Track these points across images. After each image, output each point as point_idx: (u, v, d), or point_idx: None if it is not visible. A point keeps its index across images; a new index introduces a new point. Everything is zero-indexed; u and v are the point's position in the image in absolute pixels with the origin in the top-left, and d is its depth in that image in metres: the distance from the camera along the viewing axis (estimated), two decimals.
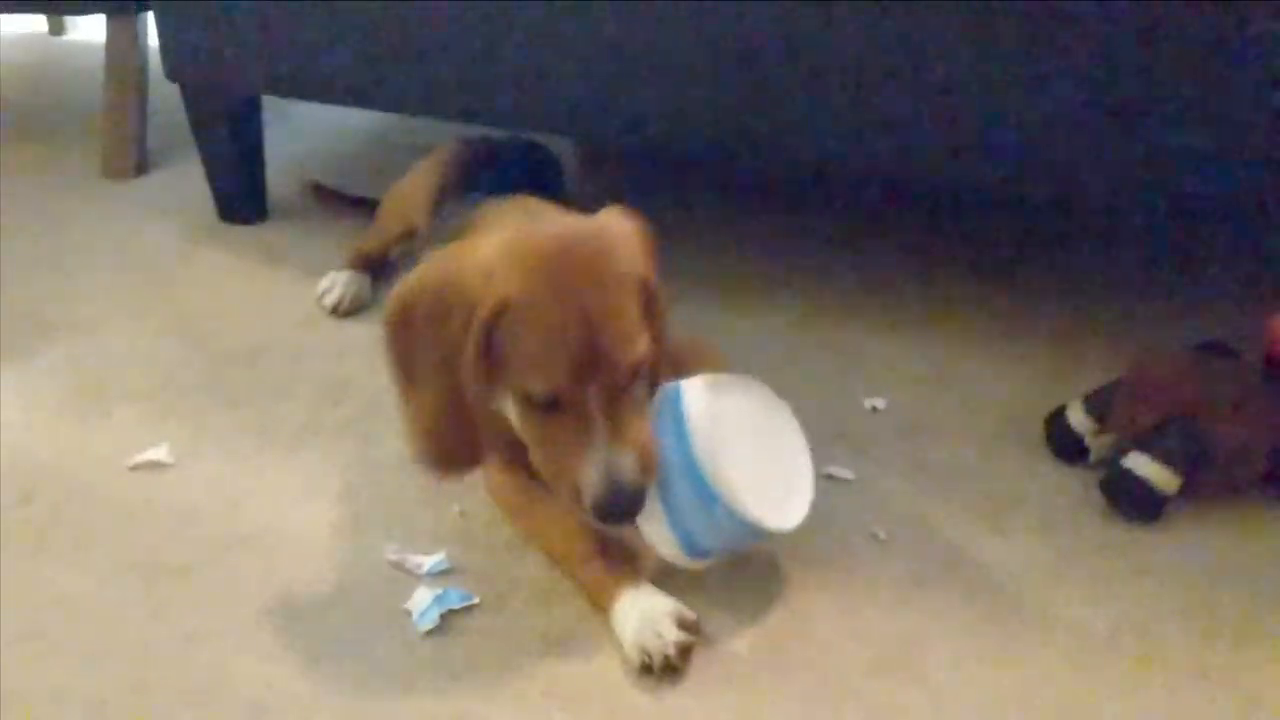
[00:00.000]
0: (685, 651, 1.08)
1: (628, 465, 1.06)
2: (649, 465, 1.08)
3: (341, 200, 2.07)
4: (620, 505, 1.06)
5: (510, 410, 1.13)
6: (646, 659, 1.07)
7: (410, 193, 1.73)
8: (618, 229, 1.13)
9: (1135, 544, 1.28)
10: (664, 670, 1.07)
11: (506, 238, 1.09)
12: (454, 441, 1.12)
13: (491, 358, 1.07)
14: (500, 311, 1.05)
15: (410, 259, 1.75)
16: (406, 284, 1.11)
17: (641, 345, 1.08)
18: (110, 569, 1.20)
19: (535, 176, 1.72)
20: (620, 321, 1.07)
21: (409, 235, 1.72)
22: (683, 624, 1.09)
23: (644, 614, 1.10)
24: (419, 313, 1.09)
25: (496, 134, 1.81)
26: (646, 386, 1.14)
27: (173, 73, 1.91)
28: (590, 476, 1.05)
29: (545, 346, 1.04)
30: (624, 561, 1.17)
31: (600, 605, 1.15)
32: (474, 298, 1.05)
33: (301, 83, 1.82)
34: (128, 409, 1.48)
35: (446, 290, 1.07)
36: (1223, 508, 1.34)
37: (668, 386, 1.15)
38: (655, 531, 1.11)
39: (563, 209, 1.35)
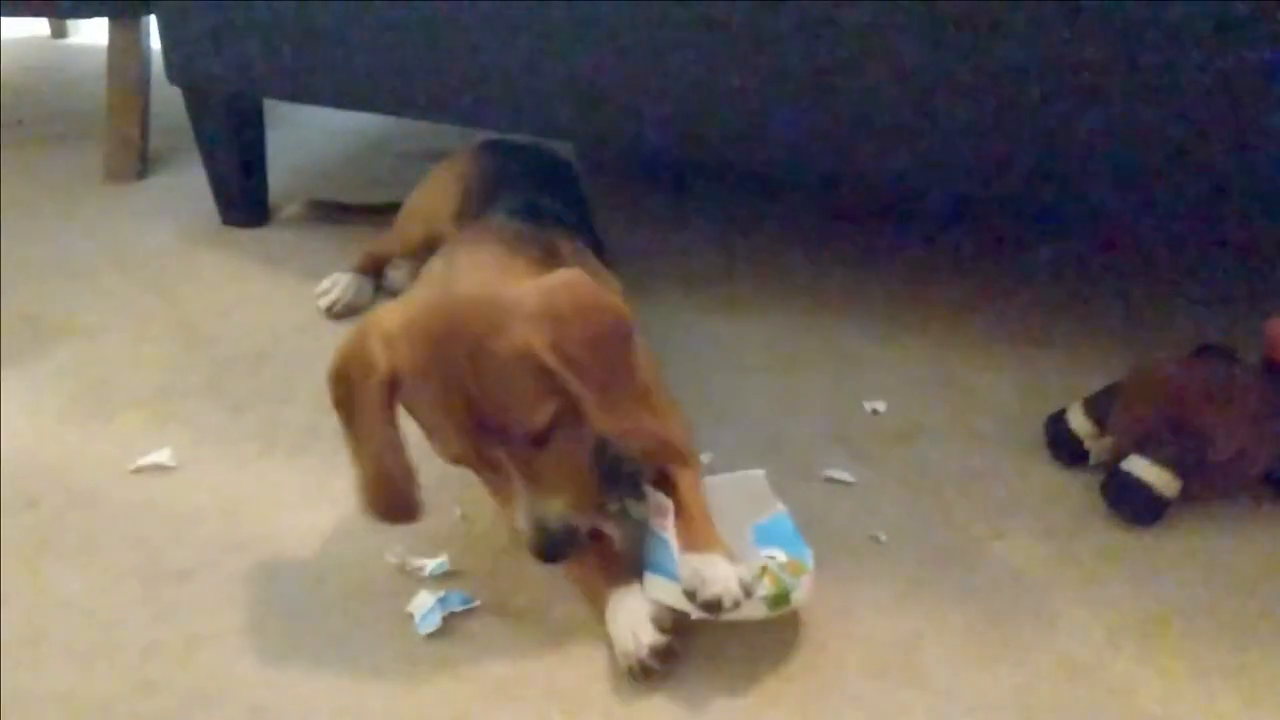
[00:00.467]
0: (663, 654, 1.08)
1: (554, 511, 1.07)
2: (582, 503, 1.10)
3: (342, 210, 2.07)
4: (551, 548, 1.08)
5: None
6: (626, 662, 1.08)
7: (435, 199, 1.73)
8: (512, 300, 1.05)
9: (1135, 547, 1.29)
10: (642, 674, 1.08)
11: (410, 306, 1.09)
12: (391, 494, 1.11)
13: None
14: (394, 383, 1.05)
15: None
16: (341, 343, 1.10)
17: (540, 414, 1.05)
18: (112, 572, 1.21)
19: (559, 183, 1.72)
20: (506, 396, 1.04)
21: (432, 243, 1.70)
22: (661, 626, 1.09)
23: (627, 619, 1.10)
24: (347, 373, 1.08)
25: (513, 140, 1.82)
26: (580, 434, 1.11)
27: (175, 76, 1.91)
28: (520, 523, 1.08)
29: (434, 420, 1.06)
30: (614, 563, 1.17)
31: (595, 607, 1.15)
32: (374, 366, 1.04)
33: (303, 86, 1.83)
34: (130, 413, 1.49)
35: (358, 355, 1.07)
36: (1222, 511, 1.34)
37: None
38: (657, 586, 1.11)
39: (508, 251, 1.26)
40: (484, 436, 1.05)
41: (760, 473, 1.29)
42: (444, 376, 1.03)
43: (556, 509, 1.08)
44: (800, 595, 1.12)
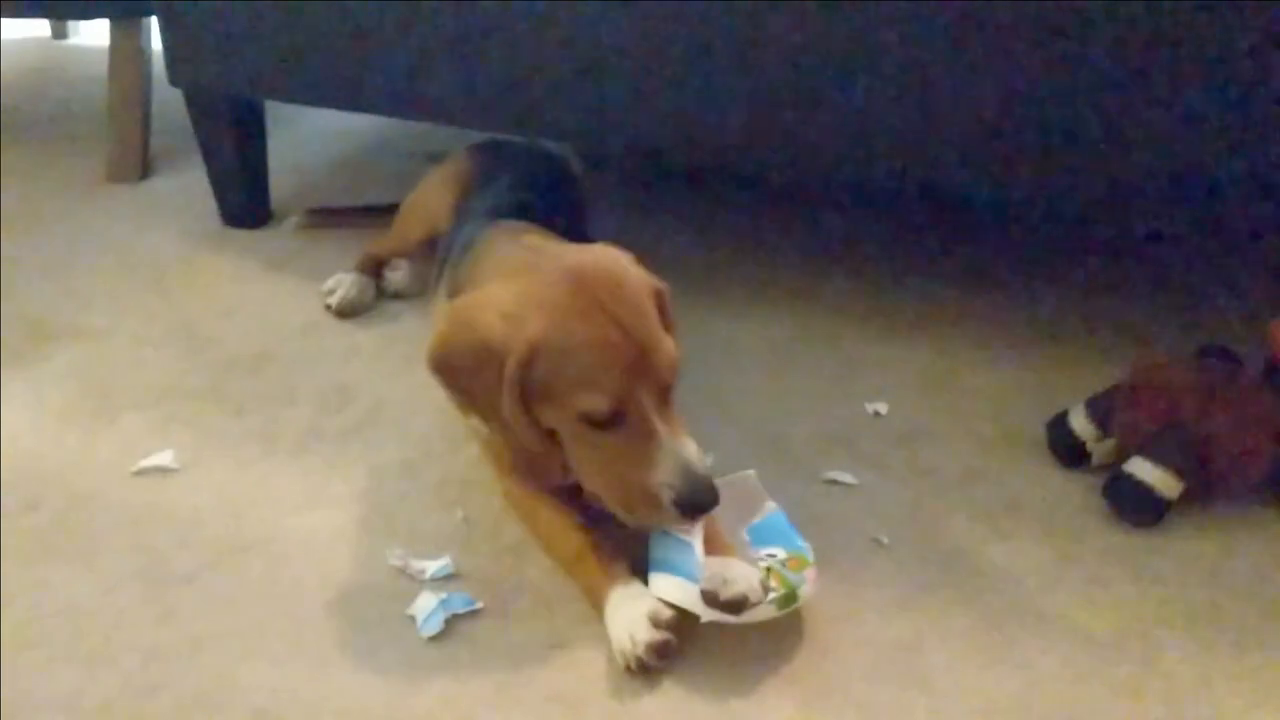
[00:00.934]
0: (660, 651, 1.08)
1: (695, 455, 1.11)
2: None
3: (340, 214, 2.07)
4: (702, 493, 1.10)
5: (571, 440, 1.16)
6: (624, 660, 1.09)
7: (432, 199, 1.75)
8: (614, 251, 1.19)
9: (1137, 549, 1.29)
10: (640, 671, 1.08)
11: (521, 283, 1.14)
12: (537, 461, 1.21)
13: (535, 397, 1.12)
14: (532, 355, 1.09)
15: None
16: (431, 349, 1.15)
17: (672, 345, 1.14)
18: (114, 575, 1.21)
19: (550, 184, 1.72)
20: (651, 325, 1.12)
21: (430, 240, 1.73)
22: (657, 624, 1.09)
23: (624, 616, 1.11)
24: (452, 366, 1.15)
25: (512, 141, 1.82)
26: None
27: (176, 77, 1.91)
28: (667, 476, 1.10)
29: (593, 365, 1.09)
30: (615, 561, 1.17)
31: (595, 605, 1.16)
32: (499, 345, 1.10)
33: (304, 88, 1.83)
34: (132, 415, 1.49)
35: (474, 345, 1.12)
36: (1225, 513, 1.34)
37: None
38: (667, 586, 1.12)
39: (547, 231, 1.40)
40: (634, 373, 1.09)
41: (750, 473, 1.29)
42: (593, 321, 1.09)
43: (696, 453, 1.12)
44: (806, 590, 1.12)
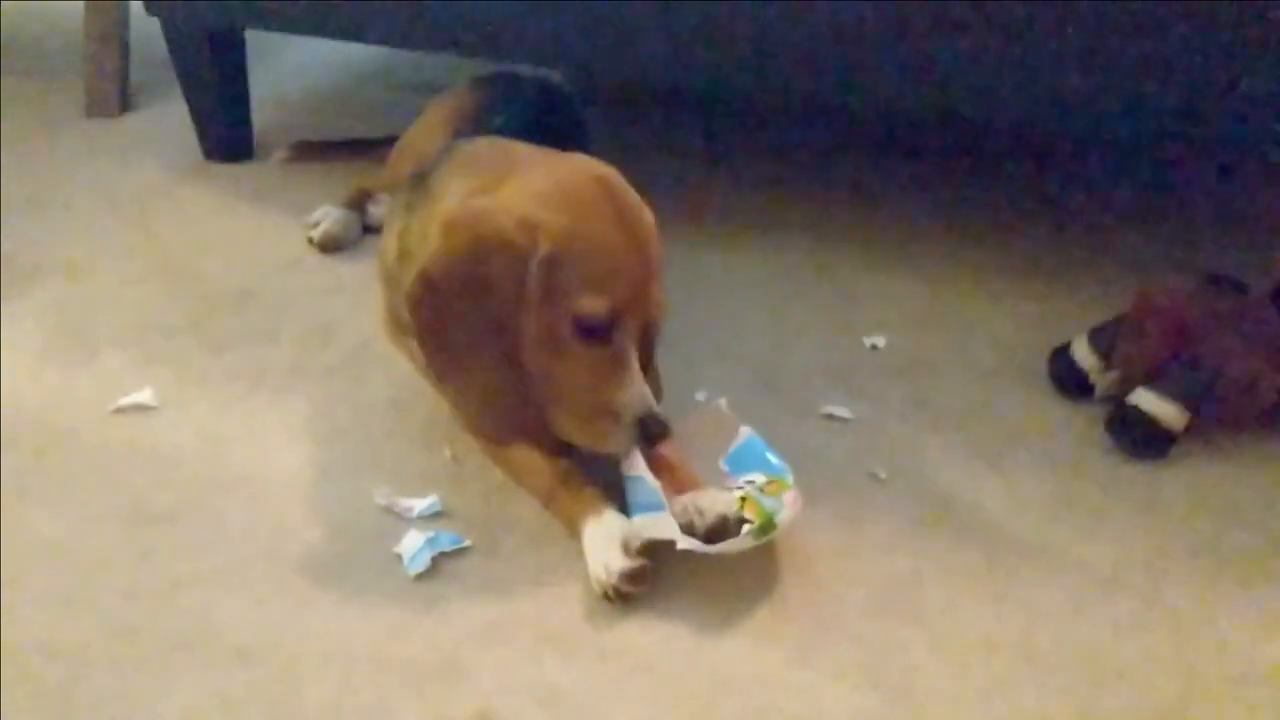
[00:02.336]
0: (635, 577, 1.06)
1: (655, 400, 1.12)
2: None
3: (328, 148, 2.02)
4: (659, 420, 1.10)
5: (548, 348, 1.12)
6: (601, 589, 1.07)
7: (425, 135, 1.68)
8: (615, 174, 1.16)
9: (1141, 482, 1.26)
10: (616, 598, 1.06)
11: (531, 184, 1.11)
12: (513, 407, 1.13)
13: (545, 294, 1.08)
14: (557, 250, 1.06)
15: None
16: (429, 264, 1.09)
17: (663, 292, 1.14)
18: (94, 515, 1.18)
19: (552, 117, 1.67)
20: (658, 259, 1.13)
21: None
22: (629, 550, 1.07)
23: (599, 545, 1.09)
24: (454, 285, 1.09)
25: (512, 71, 1.77)
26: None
27: (152, 6, 1.85)
28: (633, 397, 1.10)
29: (607, 267, 1.08)
30: (589, 490, 1.15)
31: (574, 537, 1.14)
32: (522, 247, 1.06)
33: (286, 15, 1.77)
34: (111, 353, 1.45)
35: (483, 250, 1.07)
36: (1231, 444, 1.32)
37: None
38: (648, 524, 1.10)
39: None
40: (635, 291, 1.09)
41: (721, 401, 1.27)
42: (615, 227, 1.09)
43: (655, 399, 1.13)
44: (786, 515, 1.09)
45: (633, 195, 1.14)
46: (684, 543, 1.06)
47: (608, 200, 1.11)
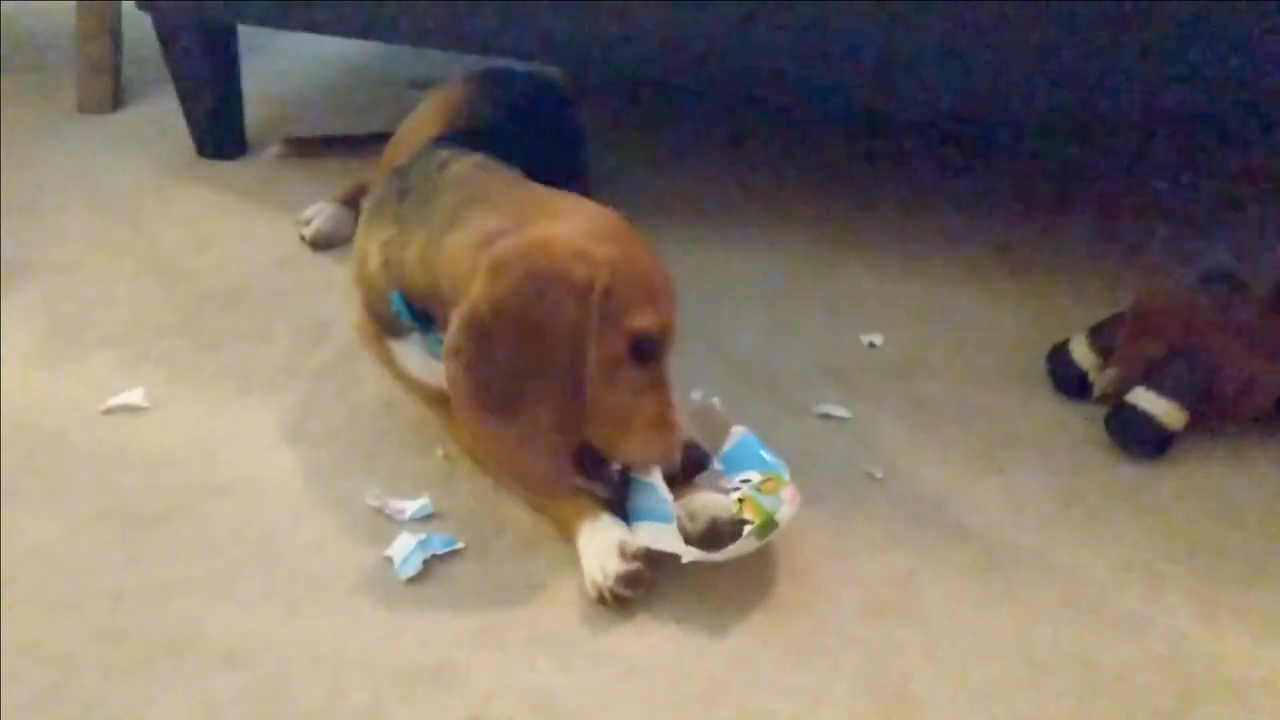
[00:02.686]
0: (632, 581, 1.05)
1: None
2: None
3: (322, 143, 2.00)
4: (700, 448, 1.13)
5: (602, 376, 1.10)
6: (597, 593, 1.06)
7: (418, 130, 1.66)
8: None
9: (1140, 482, 1.25)
10: (613, 602, 1.06)
11: (571, 222, 1.11)
12: (562, 454, 1.10)
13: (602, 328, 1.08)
14: (614, 276, 1.06)
15: None
16: (478, 304, 1.05)
17: None
18: (83, 517, 1.17)
19: (544, 112, 1.66)
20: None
21: None
22: (625, 554, 1.06)
23: (595, 549, 1.08)
24: (506, 324, 1.05)
25: (506, 67, 1.75)
26: None
27: (143, 2, 1.84)
28: (682, 420, 1.12)
29: (650, 290, 1.09)
30: (583, 494, 1.14)
31: (569, 541, 1.13)
32: (580, 279, 1.05)
33: (278, 10, 1.76)
34: (102, 352, 1.44)
35: (540, 288, 1.05)
36: (1230, 444, 1.31)
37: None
38: (649, 532, 1.09)
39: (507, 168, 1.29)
40: (671, 320, 1.12)
41: (715, 400, 1.26)
42: (649, 255, 1.13)
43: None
44: (786, 512, 1.08)
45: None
46: (689, 555, 1.05)
47: (632, 232, 1.13)
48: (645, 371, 1.10)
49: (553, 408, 1.07)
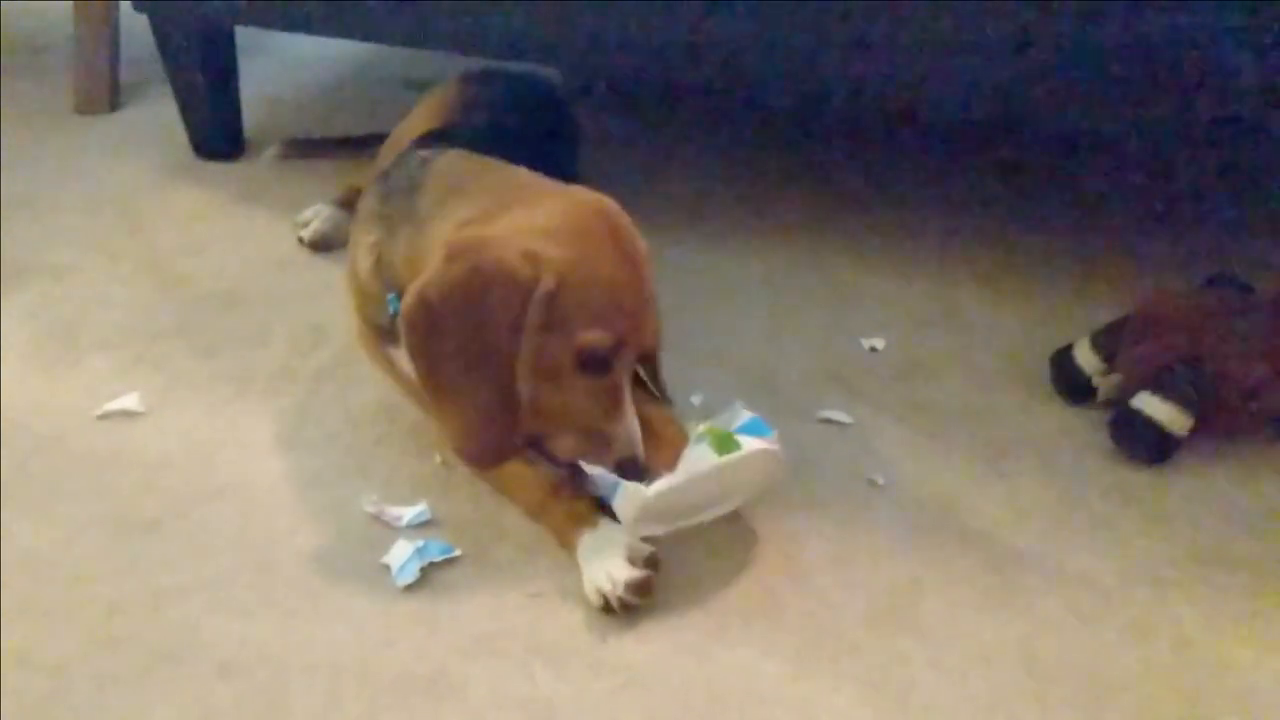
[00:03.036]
0: (641, 588, 1.05)
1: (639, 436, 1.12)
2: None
3: (320, 145, 1.99)
4: (639, 468, 1.10)
5: (546, 377, 1.11)
6: (602, 601, 1.05)
7: (412, 131, 1.65)
8: (614, 205, 1.15)
9: (1144, 488, 1.24)
10: (622, 610, 1.05)
11: (536, 218, 1.10)
12: (498, 434, 1.10)
13: (545, 327, 1.07)
14: (560, 287, 1.05)
15: None
16: (427, 287, 1.07)
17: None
18: (77, 522, 1.16)
19: (539, 112, 1.65)
20: (651, 281, 1.13)
21: None
22: (634, 561, 1.06)
23: (599, 555, 1.07)
24: (450, 309, 1.06)
25: (499, 67, 1.74)
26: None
27: (140, 3, 1.83)
28: (622, 432, 1.10)
29: (610, 300, 1.08)
30: (580, 503, 1.14)
31: (566, 548, 1.12)
32: (524, 281, 1.05)
33: (276, 12, 1.75)
34: (97, 356, 1.43)
35: (484, 282, 1.05)
36: (1236, 449, 1.30)
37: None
38: (623, 497, 1.08)
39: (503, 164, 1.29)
40: (634, 322, 1.10)
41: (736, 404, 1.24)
42: (614, 261, 1.09)
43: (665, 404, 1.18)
44: (756, 443, 1.08)
45: (629, 225, 1.14)
46: (656, 486, 1.05)
47: (608, 233, 1.11)
48: (594, 383, 1.10)
49: (492, 392, 1.08)
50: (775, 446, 1.10)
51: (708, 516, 1.11)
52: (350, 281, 1.30)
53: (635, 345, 1.11)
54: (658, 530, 1.09)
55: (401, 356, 1.24)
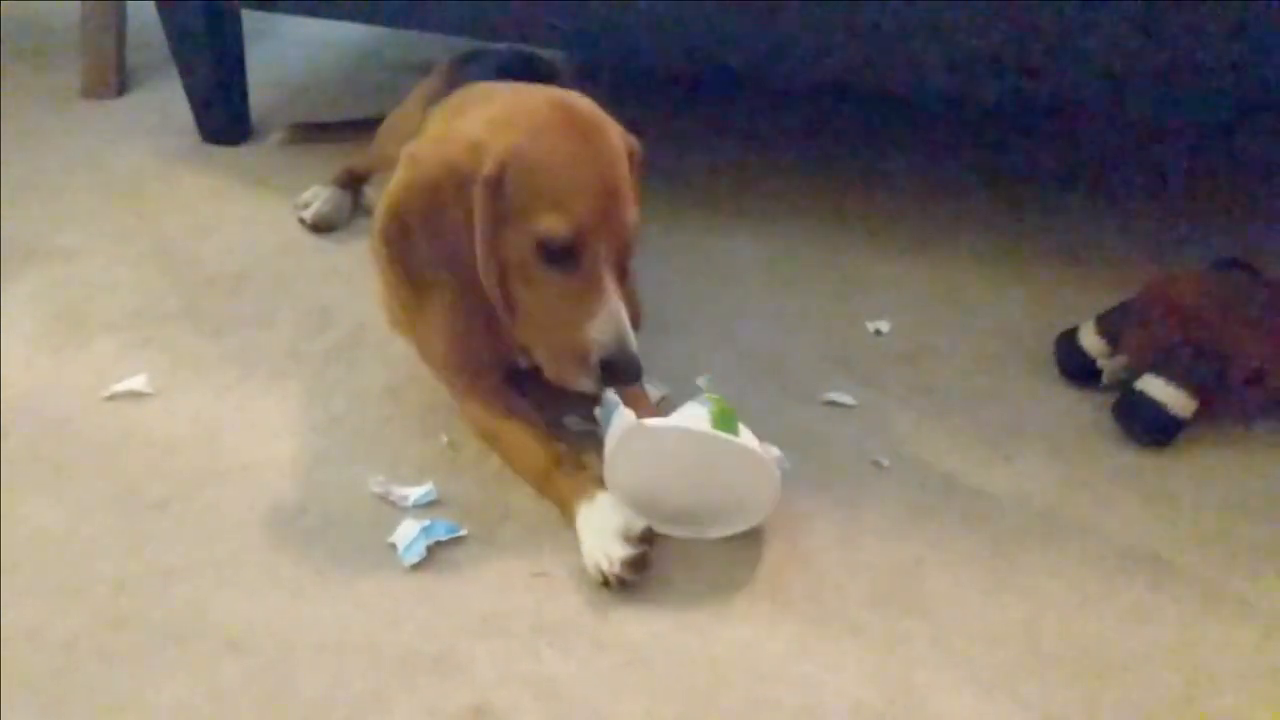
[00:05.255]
0: (636, 564, 1.05)
1: (633, 335, 1.07)
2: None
3: (325, 129, 1.99)
4: (628, 361, 1.06)
5: (518, 277, 1.09)
6: (601, 576, 1.06)
7: (413, 115, 1.65)
8: (597, 109, 1.13)
9: (1148, 469, 1.24)
10: (619, 586, 1.05)
11: (487, 111, 1.09)
12: (478, 341, 1.11)
13: (501, 219, 1.05)
14: (502, 169, 1.04)
15: None
16: (389, 192, 1.08)
17: (636, 209, 1.10)
18: (86, 503, 1.16)
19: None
20: (624, 176, 1.08)
21: None
22: (630, 538, 1.06)
23: (595, 531, 1.08)
24: (413, 213, 1.07)
25: (494, 47, 1.74)
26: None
27: None
28: (600, 334, 1.06)
29: (565, 185, 1.05)
30: (582, 473, 1.14)
31: (567, 519, 1.13)
32: (467, 170, 1.04)
33: None
34: (106, 338, 1.43)
35: (435, 178, 1.06)
36: (1240, 432, 1.30)
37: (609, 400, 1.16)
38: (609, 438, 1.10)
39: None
40: (601, 216, 1.06)
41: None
42: (574, 145, 1.06)
43: (633, 335, 1.08)
44: (754, 443, 1.08)
45: (598, 116, 1.11)
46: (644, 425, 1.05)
47: (566, 121, 1.08)
48: (565, 277, 1.07)
49: (462, 294, 1.08)
50: (776, 469, 1.09)
51: (689, 532, 1.11)
52: (373, 255, 1.31)
53: (608, 236, 1.08)
54: (638, 522, 1.08)
55: None
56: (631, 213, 1.10)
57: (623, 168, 1.09)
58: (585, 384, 1.09)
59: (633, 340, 1.07)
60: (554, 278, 1.07)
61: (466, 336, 1.11)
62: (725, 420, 1.07)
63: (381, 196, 1.12)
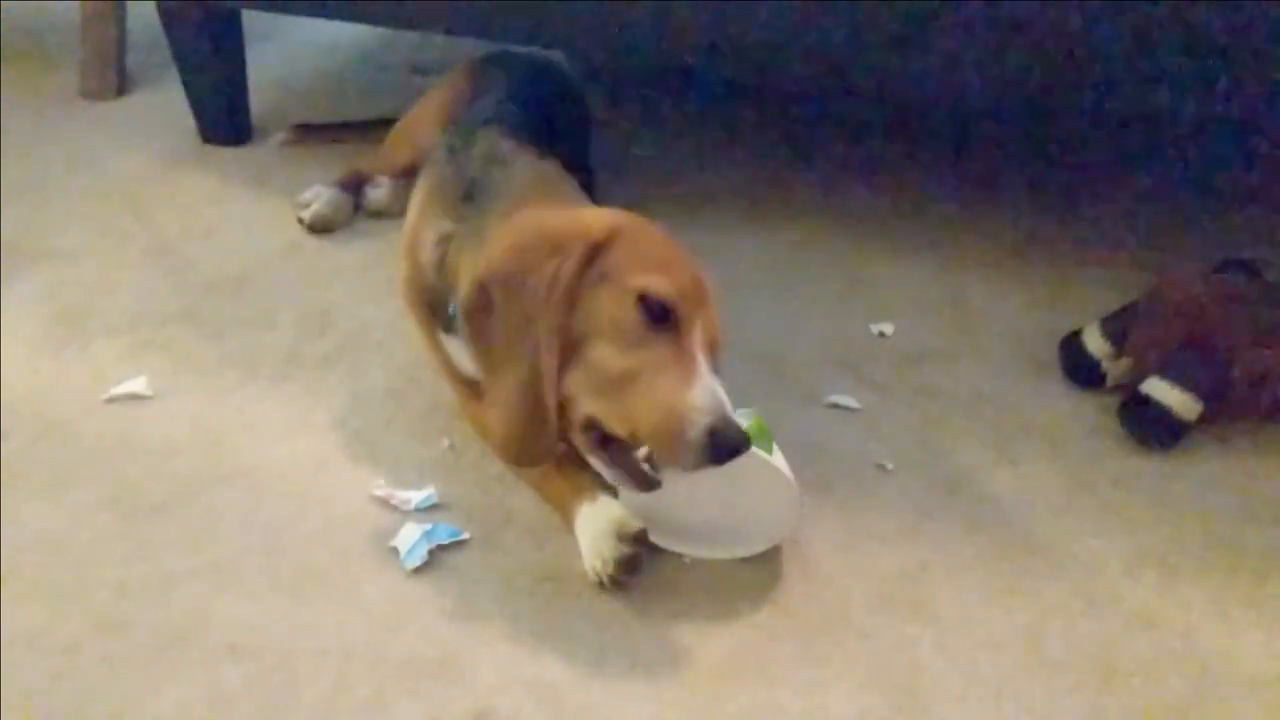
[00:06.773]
0: (629, 564, 1.04)
1: (728, 402, 1.00)
2: None
3: (327, 130, 1.99)
4: (737, 432, 0.97)
5: (598, 350, 1.03)
6: (598, 577, 1.06)
7: (422, 122, 1.67)
8: None
9: (1153, 473, 1.24)
10: (612, 586, 1.05)
11: (595, 211, 1.12)
12: (531, 431, 1.03)
13: (590, 284, 1.04)
14: (610, 235, 1.05)
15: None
16: (483, 265, 1.06)
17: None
18: (86, 506, 1.16)
19: (550, 97, 1.64)
20: (711, 289, 1.09)
21: (416, 166, 1.62)
22: (624, 538, 1.05)
23: (592, 531, 1.07)
24: (497, 278, 1.05)
25: (510, 52, 1.74)
26: None
27: None
28: (703, 403, 0.97)
29: (668, 257, 1.06)
30: (582, 474, 1.13)
31: (566, 521, 1.12)
32: (566, 236, 1.05)
33: None
34: (105, 340, 1.43)
35: (529, 249, 1.05)
36: (1245, 435, 1.29)
37: None
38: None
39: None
40: (696, 294, 1.06)
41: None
42: (668, 243, 1.09)
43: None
44: (784, 468, 1.07)
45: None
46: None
47: (659, 229, 1.11)
48: (663, 342, 1.01)
49: (526, 364, 1.02)
50: (800, 496, 1.07)
51: (702, 552, 1.11)
52: (407, 251, 1.30)
53: (701, 318, 1.04)
54: (633, 522, 1.06)
55: (452, 343, 1.24)
56: (720, 319, 1.08)
57: (708, 279, 1.09)
58: (686, 458, 0.98)
59: (731, 413, 0.99)
60: (650, 339, 1.02)
61: (520, 417, 1.04)
62: (761, 437, 1.06)
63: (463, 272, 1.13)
